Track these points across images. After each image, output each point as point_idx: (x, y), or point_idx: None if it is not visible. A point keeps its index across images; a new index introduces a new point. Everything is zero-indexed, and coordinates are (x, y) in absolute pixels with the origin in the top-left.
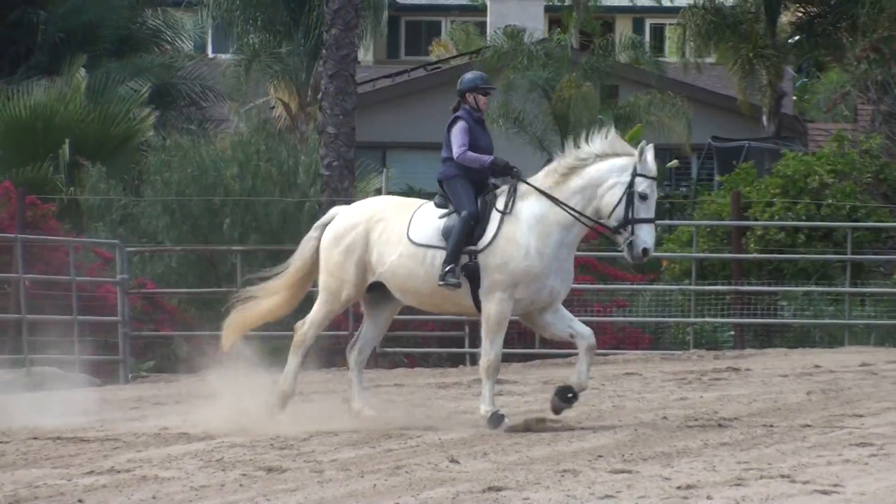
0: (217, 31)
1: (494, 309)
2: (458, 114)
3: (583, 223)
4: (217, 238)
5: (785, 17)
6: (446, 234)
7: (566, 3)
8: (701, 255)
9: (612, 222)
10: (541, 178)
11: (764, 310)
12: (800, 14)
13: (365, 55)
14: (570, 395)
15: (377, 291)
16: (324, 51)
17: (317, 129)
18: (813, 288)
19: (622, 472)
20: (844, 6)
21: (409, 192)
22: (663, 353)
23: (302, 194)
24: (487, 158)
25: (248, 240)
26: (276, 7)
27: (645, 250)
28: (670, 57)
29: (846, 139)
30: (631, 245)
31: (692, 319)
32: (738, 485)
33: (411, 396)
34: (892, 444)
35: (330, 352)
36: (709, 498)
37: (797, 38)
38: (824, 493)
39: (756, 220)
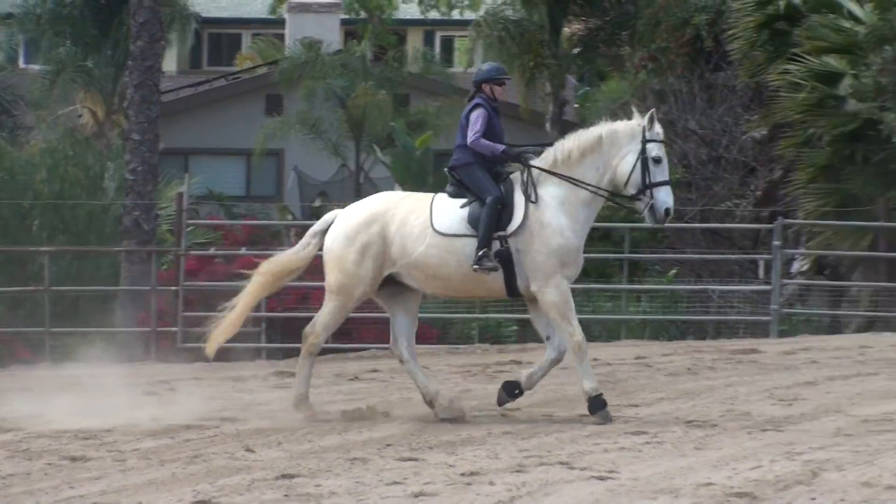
0: (29, 43)
1: (555, 294)
2: (477, 101)
3: (602, 196)
4: (26, 239)
5: (568, 29)
6: (473, 221)
7: (361, 17)
8: None
9: (630, 190)
10: (550, 162)
11: None
12: (581, 26)
13: (169, 65)
14: (516, 391)
15: (389, 287)
16: (129, 62)
17: (122, 136)
18: (592, 285)
19: (409, 459)
20: (623, 19)
21: (210, 197)
22: (450, 347)
23: (107, 198)
24: (499, 147)
25: (55, 240)
26: (84, 22)
27: (667, 210)
28: (459, 67)
29: None
30: (652, 208)
31: (477, 315)
32: (519, 471)
33: (210, 390)
34: (665, 432)
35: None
36: (491, 484)
37: (579, 49)
38: (601, 478)
39: None
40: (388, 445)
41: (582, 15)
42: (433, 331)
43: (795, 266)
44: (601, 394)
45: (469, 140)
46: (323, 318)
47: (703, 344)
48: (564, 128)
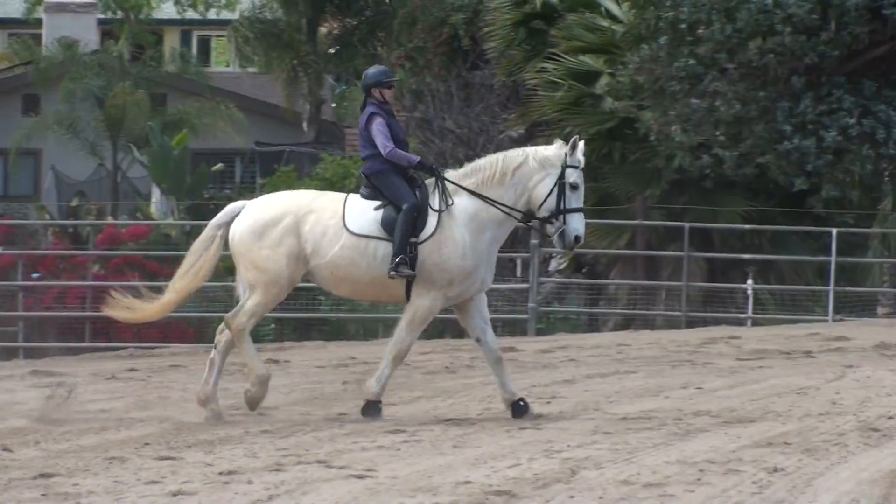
0: None
1: (426, 305)
2: (371, 110)
3: (515, 218)
4: None
5: (325, 29)
6: (386, 224)
7: (118, 17)
8: None
9: (544, 213)
10: (468, 177)
11: (303, 304)
12: (338, 25)
13: None
14: (521, 404)
15: None
16: None
17: None
18: None
19: (167, 458)
20: (380, 18)
21: None
22: (207, 346)
23: None
24: (415, 159)
25: None
26: None
27: (577, 238)
28: (217, 67)
29: None
30: (563, 234)
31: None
32: (278, 470)
33: None
34: (423, 430)
35: None
36: (249, 482)
37: (336, 48)
38: (359, 477)
39: None
40: (146, 444)
41: (338, 14)
42: (190, 330)
43: (553, 264)
44: (380, 402)
45: (384, 152)
46: (248, 307)
47: (461, 342)
48: (322, 127)
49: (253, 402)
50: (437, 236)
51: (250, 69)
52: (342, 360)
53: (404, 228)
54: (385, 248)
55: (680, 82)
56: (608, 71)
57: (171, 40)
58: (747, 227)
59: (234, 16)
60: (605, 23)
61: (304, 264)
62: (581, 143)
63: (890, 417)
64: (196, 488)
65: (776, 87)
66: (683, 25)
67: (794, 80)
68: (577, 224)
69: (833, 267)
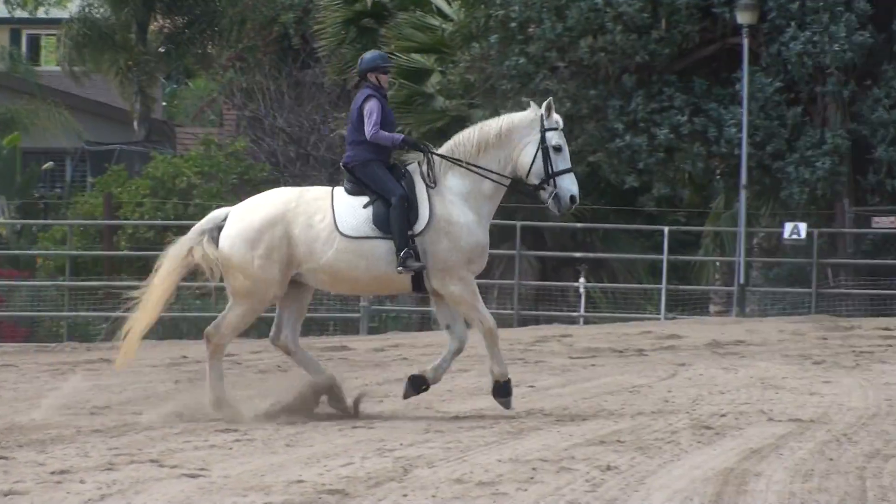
0: None
1: (462, 287)
2: (367, 91)
3: (505, 185)
4: None
5: (155, 27)
6: (378, 222)
7: None
8: (75, 252)
9: (533, 180)
10: (450, 152)
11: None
12: (168, 24)
13: None
14: (423, 386)
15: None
16: None
17: None
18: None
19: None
20: (210, 17)
21: None
22: (38, 345)
23: None
24: (398, 137)
25: None
26: None
27: (573, 198)
28: (47, 66)
29: (213, 143)
30: (557, 197)
31: (66, 314)
32: (110, 469)
33: None
34: (256, 430)
35: None
36: (81, 482)
37: (166, 47)
38: (192, 476)
39: (127, 219)
40: None
41: (168, 13)
42: (21, 329)
43: None
44: (509, 380)
45: (368, 134)
46: (231, 320)
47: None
48: (153, 126)
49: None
50: (438, 223)
51: (80, 68)
52: (175, 360)
53: (400, 222)
54: (383, 247)
55: (511, 81)
56: (439, 69)
57: (1, 39)
58: (579, 225)
59: (65, 15)
60: (435, 21)
61: (297, 267)
62: (550, 103)
63: (722, 415)
64: (28, 488)
65: (607, 86)
66: (514, 24)
67: (625, 79)
68: (569, 185)
69: (665, 265)
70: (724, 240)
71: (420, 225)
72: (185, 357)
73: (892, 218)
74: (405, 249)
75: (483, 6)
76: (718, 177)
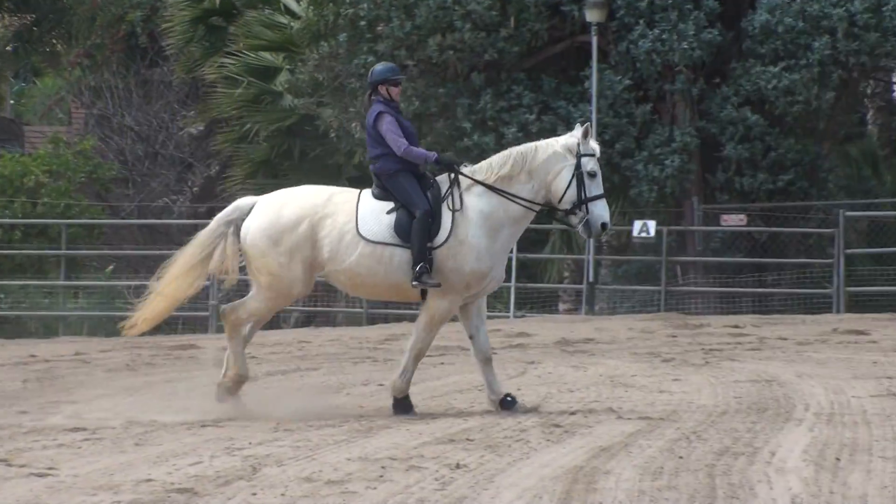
0: None
1: (443, 307)
2: (379, 108)
3: (534, 211)
4: None
5: (2, 25)
6: (399, 230)
7: None
8: None
9: (566, 205)
10: (482, 174)
11: None
12: (16, 21)
13: None
14: (509, 398)
15: None
16: None
17: None
18: (29, 282)
19: None
20: (59, 15)
21: None
22: None
23: None
24: (432, 156)
25: None
26: None
27: (604, 225)
28: None
29: (61, 141)
30: (587, 223)
31: None
32: None
33: None
34: (104, 429)
35: None
36: None
37: (15, 45)
38: (40, 475)
39: None
40: None
41: (15, 10)
42: None
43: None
44: (408, 396)
45: (398, 150)
46: (251, 307)
47: (142, 340)
48: (0, 124)
49: (220, 395)
50: (451, 241)
51: None
52: (22, 359)
53: (420, 236)
54: (401, 255)
55: (359, 79)
56: (287, 67)
57: None
58: None
59: None
60: (284, 19)
61: (320, 269)
62: (589, 129)
63: (572, 413)
64: None
65: (456, 84)
66: (363, 22)
67: (474, 77)
68: (601, 211)
69: (514, 263)
70: (572, 237)
71: (439, 239)
72: (33, 356)
73: (740, 216)
74: (421, 264)
75: (332, 4)
76: None
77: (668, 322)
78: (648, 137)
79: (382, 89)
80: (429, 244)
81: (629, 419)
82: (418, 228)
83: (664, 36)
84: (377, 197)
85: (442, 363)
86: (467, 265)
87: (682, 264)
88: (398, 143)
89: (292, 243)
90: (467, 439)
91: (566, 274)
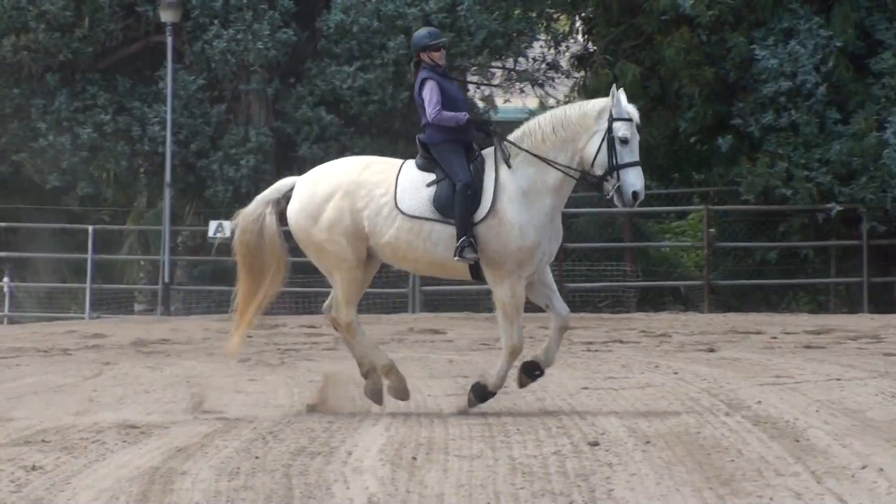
0: None
1: (508, 294)
2: (423, 74)
3: (573, 177)
4: None
5: None
6: (439, 204)
7: None
8: None
9: (598, 171)
10: (520, 140)
11: None
12: None
13: None
14: (536, 371)
15: None
16: None
17: None
18: None
19: None
20: None
21: None
22: None
23: None
24: (463, 116)
25: None
26: None
27: (635, 193)
28: None
29: None
30: (620, 191)
31: None
32: None
33: None
34: None
35: None
36: None
37: None
38: None
39: None
40: None
41: None
42: None
43: None
44: (495, 393)
45: (430, 116)
46: (340, 296)
47: None
48: None
49: (399, 394)
50: (491, 219)
51: None
52: None
53: (462, 209)
54: (441, 231)
55: None
56: None
57: None
58: (2, 224)
59: None
60: None
61: (365, 241)
62: (622, 92)
63: (148, 414)
64: None
65: (31, 84)
66: None
67: (49, 77)
68: (633, 179)
69: (90, 264)
70: (148, 238)
71: (480, 214)
72: None
73: None
74: (463, 238)
75: None
76: (142, 175)
77: None
78: (224, 137)
79: (424, 56)
80: (471, 219)
81: (206, 420)
82: (459, 201)
83: (239, 36)
84: (420, 167)
85: (18, 364)
86: (511, 243)
87: None
88: (431, 109)
89: (330, 216)
90: (43, 441)
91: (142, 275)
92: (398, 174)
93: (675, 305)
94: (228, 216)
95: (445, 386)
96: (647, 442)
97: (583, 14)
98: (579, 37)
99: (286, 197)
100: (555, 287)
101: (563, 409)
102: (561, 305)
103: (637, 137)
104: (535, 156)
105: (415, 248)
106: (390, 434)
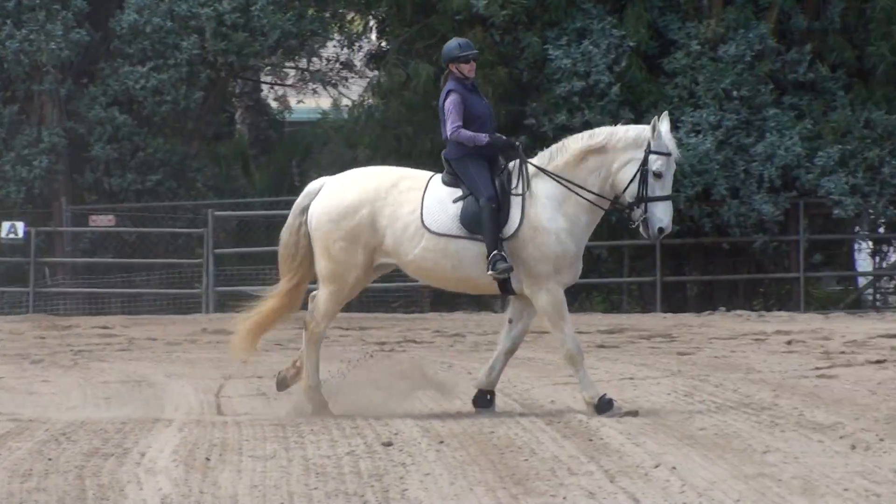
0: None
1: (548, 300)
2: (449, 87)
3: (599, 206)
4: None
5: None
6: (466, 221)
7: None
8: None
9: (628, 198)
10: (549, 159)
11: None
12: None
13: None
14: (488, 396)
15: None
16: None
17: None
18: None
19: None
20: None
21: None
22: None
23: None
24: (483, 138)
25: None
26: None
27: (661, 229)
28: None
29: None
30: (646, 223)
31: None
32: None
33: None
34: None
35: None
36: None
37: None
38: None
39: None
40: None
41: None
42: None
43: None
44: (604, 395)
45: (449, 133)
46: (321, 306)
47: None
48: None
49: (314, 411)
50: (525, 230)
51: None
52: None
53: (490, 225)
54: (468, 248)
55: None
56: None
57: None
58: None
59: None
60: None
61: (381, 256)
62: (665, 123)
63: None
64: None
65: None
66: None
67: None
68: (660, 215)
69: None
70: None
71: (510, 229)
72: None
73: (108, 217)
74: (495, 252)
75: None
76: None
77: (36, 324)
78: (16, 138)
79: (453, 68)
80: (500, 234)
81: None
82: (486, 217)
83: (32, 36)
84: (446, 183)
85: None
86: (549, 248)
87: (50, 265)
88: (450, 125)
89: (353, 228)
90: None
91: None
92: (424, 191)
93: (469, 306)
94: (22, 217)
95: (239, 387)
96: (441, 442)
97: (376, 14)
98: (373, 36)
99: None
100: (533, 314)
101: (356, 410)
102: (520, 332)
103: (672, 170)
104: (562, 182)
105: (442, 266)
106: (184, 435)
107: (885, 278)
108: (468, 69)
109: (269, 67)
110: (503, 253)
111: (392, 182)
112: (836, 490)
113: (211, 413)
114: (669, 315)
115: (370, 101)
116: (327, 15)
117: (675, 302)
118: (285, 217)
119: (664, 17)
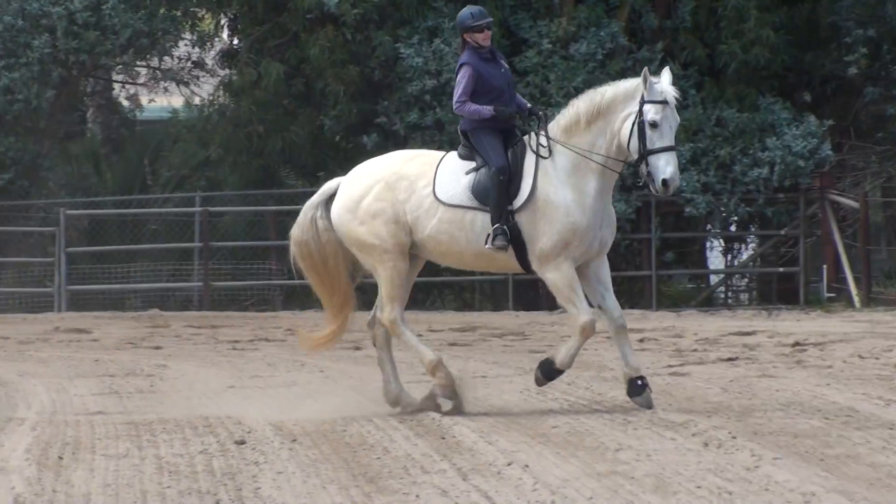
0: None
1: (557, 276)
2: (463, 59)
3: (612, 169)
4: None
5: None
6: (477, 191)
7: None
8: None
9: (634, 156)
10: (561, 125)
11: None
12: None
13: None
14: (639, 383)
15: None
16: None
17: None
18: None
19: None
20: None
21: None
22: None
23: None
24: (486, 110)
25: None
26: None
27: (665, 182)
28: None
29: None
30: (650, 178)
31: None
32: None
33: None
34: None
35: None
36: None
37: None
38: None
39: None
40: None
41: None
42: None
43: None
44: (563, 371)
45: (454, 107)
46: (384, 294)
47: None
48: None
49: (446, 391)
50: (534, 202)
51: None
52: None
53: (496, 195)
54: (483, 219)
55: None
56: None
57: None
58: None
59: None
60: None
61: (407, 232)
62: (665, 73)
63: None
64: None
65: None
66: None
67: None
68: (662, 165)
69: None
70: None
71: (519, 201)
72: None
73: None
74: (497, 224)
75: None
76: None
77: None
78: None
79: (468, 37)
80: (510, 207)
81: None
82: (494, 186)
83: None
84: (461, 156)
85: None
86: (557, 222)
87: None
88: (456, 99)
89: (371, 208)
90: None
91: None
92: (439, 164)
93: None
94: None
95: (91, 385)
96: (294, 440)
97: (228, 12)
98: (224, 35)
99: (332, 197)
100: (610, 285)
101: (209, 408)
102: (614, 306)
103: (671, 120)
104: (572, 149)
105: (457, 239)
106: (37, 434)
107: (736, 276)
108: (483, 38)
109: (120, 66)
110: (505, 227)
111: (406, 159)
112: (688, 487)
113: (64, 412)
114: (522, 313)
115: (221, 99)
116: (179, 14)
117: (527, 300)
118: (137, 215)
119: (515, 16)
